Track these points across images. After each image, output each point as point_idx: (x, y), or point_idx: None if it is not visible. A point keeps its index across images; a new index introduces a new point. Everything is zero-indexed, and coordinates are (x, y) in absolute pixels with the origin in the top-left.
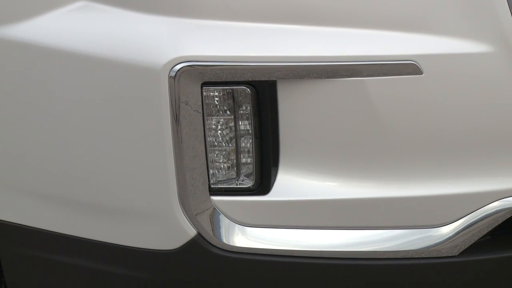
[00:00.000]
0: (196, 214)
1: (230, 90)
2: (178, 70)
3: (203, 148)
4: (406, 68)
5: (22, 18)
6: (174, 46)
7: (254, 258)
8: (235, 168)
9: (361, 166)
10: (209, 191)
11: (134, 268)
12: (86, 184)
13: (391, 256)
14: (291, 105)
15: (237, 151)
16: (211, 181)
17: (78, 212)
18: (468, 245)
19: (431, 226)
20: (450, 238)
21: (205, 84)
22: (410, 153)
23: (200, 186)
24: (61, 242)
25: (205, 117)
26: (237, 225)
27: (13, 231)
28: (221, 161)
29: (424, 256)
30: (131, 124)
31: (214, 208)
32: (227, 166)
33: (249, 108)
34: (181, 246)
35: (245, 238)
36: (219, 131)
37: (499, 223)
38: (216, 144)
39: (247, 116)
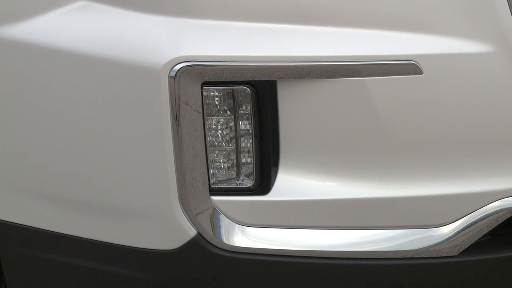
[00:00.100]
0: (196, 214)
1: (230, 90)
2: (178, 70)
3: (203, 148)
4: (406, 68)
5: (22, 18)
6: (174, 46)
7: (254, 258)
8: (235, 168)
9: (361, 166)
10: (209, 191)
11: (134, 268)
12: (86, 184)
13: (391, 256)
14: (291, 105)
15: (237, 151)
16: (211, 181)
17: (78, 212)
18: (468, 245)
19: (431, 226)
20: (450, 238)
21: (205, 84)
22: (410, 153)
23: (200, 186)
24: (61, 242)
25: (205, 117)
26: (237, 225)
27: (13, 231)
28: (221, 161)
29: (424, 256)
30: (131, 124)
31: (214, 208)
32: (227, 166)
33: (249, 108)
34: (181, 246)
35: (245, 238)
36: (219, 131)
37: (499, 223)
38: (216, 144)
39: (247, 116)
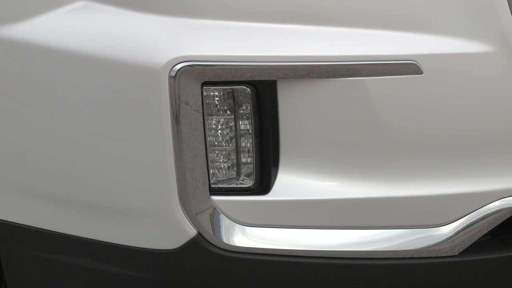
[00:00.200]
0: (196, 214)
1: (230, 90)
2: (178, 70)
3: (203, 147)
4: (406, 68)
5: (22, 18)
6: (174, 46)
7: (254, 257)
8: (235, 168)
9: (361, 166)
10: (209, 191)
11: (134, 268)
12: (86, 184)
13: (391, 256)
14: (291, 104)
15: (237, 150)
16: (211, 181)
17: (79, 212)
18: (468, 245)
19: (431, 225)
20: (450, 237)
21: (205, 83)
22: (410, 153)
23: (200, 186)
24: (61, 242)
25: (205, 117)
26: (237, 225)
27: (14, 231)
28: (221, 160)
29: (424, 256)
30: (131, 124)
31: (214, 208)
32: (227, 165)
33: (249, 107)
34: (181, 246)
35: (245, 237)
36: (219, 131)
37: (499, 222)
38: (216, 143)
39: (247, 115)
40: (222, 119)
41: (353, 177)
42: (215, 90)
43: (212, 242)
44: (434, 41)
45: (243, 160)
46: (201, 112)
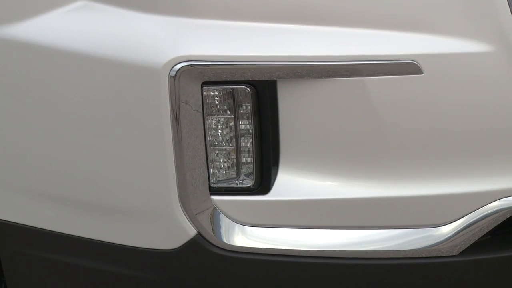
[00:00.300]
0: (196, 214)
1: (230, 90)
2: (178, 70)
3: (203, 147)
4: (406, 67)
5: (22, 18)
6: (174, 46)
7: (254, 257)
8: (235, 168)
9: (361, 166)
10: (209, 191)
11: (134, 268)
12: (86, 184)
13: (391, 256)
14: (291, 104)
15: (237, 150)
16: (211, 181)
17: (79, 212)
18: (468, 245)
19: (431, 225)
20: (450, 237)
21: (205, 83)
22: (410, 152)
23: (200, 186)
24: (61, 242)
25: (205, 117)
26: (237, 225)
27: (14, 230)
28: (221, 160)
29: (424, 255)
30: (131, 123)
31: (214, 208)
32: (227, 165)
33: (249, 107)
34: (181, 246)
35: (245, 237)
36: (219, 131)
37: (499, 222)
38: (216, 143)
39: (247, 115)
40: (222, 119)
41: (353, 177)
42: (215, 90)
43: (212, 242)
44: (434, 41)
45: (243, 160)
46: (201, 112)
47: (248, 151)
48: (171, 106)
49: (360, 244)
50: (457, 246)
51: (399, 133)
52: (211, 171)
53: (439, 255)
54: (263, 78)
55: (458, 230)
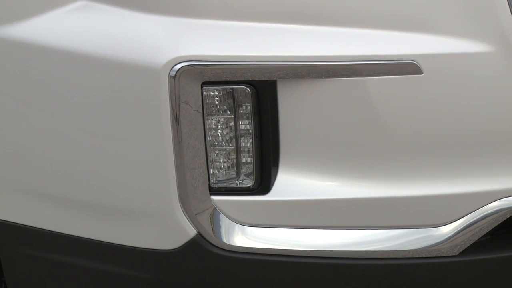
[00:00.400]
0: (196, 214)
1: (230, 90)
2: (178, 70)
3: (203, 147)
4: (406, 67)
5: (22, 18)
6: (174, 46)
7: (254, 257)
8: (235, 168)
9: (361, 166)
10: (209, 191)
11: (134, 268)
12: (86, 184)
13: (391, 256)
14: (291, 104)
15: (237, 150)
16: (211, 181)
17: (78, 212)
18: (468, 245)
19: (431, 225)
20: (450, 237)
21: (205, 83)
22: (410, 152)
23: (200, 186)
24: (61, 242)
25: (205, 117)
26: (237, 225)
27: (14, 231)
28: (221, 160)
29: (424, 255)
30: (131, 123)
31: (214, 208)
32: (227, 165)
33: (249, 107)
34: (181, 246)
35: (245, 237)
36: (219, 131)
37: (499, 222)
38: (216, 143)
39: (247, 115)
40: (222, 119)
41: (353, 177)
42: (215, 90)
43: (212, 242)
44: (434, 41)
45: (243, 160)
46: (201, 112)
47: (248, 151)
48: (171, 106)
49: (360, 244)
50: (457, 246)
51: (399, 133)
52: (211, 171)
53: (439, 255)
54: (263, 78)
55: (458, 230)
